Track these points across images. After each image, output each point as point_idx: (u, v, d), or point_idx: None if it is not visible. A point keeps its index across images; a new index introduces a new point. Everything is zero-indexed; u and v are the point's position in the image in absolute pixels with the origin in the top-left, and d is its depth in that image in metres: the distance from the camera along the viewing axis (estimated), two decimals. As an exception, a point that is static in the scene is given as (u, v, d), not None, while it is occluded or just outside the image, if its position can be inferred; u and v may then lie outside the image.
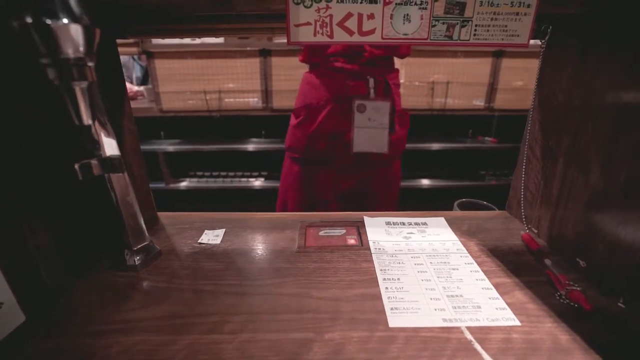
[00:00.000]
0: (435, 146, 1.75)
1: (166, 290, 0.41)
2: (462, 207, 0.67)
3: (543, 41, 0.47)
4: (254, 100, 1.65)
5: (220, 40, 1.58)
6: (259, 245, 0.50)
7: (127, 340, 0.33)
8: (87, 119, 0.30)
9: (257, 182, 1.80)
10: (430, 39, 0.44)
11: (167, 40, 1.59)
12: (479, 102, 1.67)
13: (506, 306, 0.38)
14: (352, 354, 0.32)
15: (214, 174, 1.81)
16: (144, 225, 0.45)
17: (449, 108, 1.67)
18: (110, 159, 0.35)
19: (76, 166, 0.32)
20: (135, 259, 0.44)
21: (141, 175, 0.55)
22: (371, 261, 0.46)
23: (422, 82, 1.58)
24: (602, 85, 0.40)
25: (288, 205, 1.01)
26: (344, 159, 0.93)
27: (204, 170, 1.82)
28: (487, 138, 1.83)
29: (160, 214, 0.60)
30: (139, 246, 0.44)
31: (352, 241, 0.50)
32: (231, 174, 1.82)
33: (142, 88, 1.82)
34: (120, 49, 0.50)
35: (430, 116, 1.66)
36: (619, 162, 0.38)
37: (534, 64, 0.53)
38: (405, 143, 0.98)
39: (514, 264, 0.45)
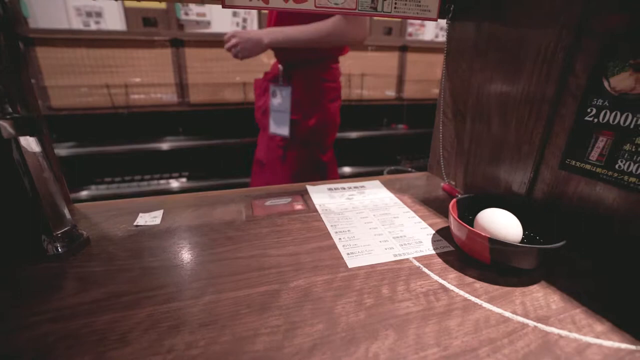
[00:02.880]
0: (353, 134, 1.88)
1: (106, 273, 0.36)
2: (390, 173, 0.74)
3: (448, 17, 0.55)
4: (167, 95, 1.53)
5: (123, 28, 1.42)
6: (205, 220, 0.48)
7: (68, 325, 0.29)
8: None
9: (179, 184, 1.67)
10: (359, 9, 0.48)
11: (51, 25, 1.36)
12: (391, 93, 1.85)
13: (442, 238, 0.44)
14: (320, 293, 0.34)
15: (126, 178, 1.62)
16: (65, 207, 0.39)
17: (365, 98, 1.81)
18: (26, 117, 0.29)
19: (-21, 125, 0.26)
20: (58, 247, 0.38)
21: (54, 160, 0.47)
22: (321, 220, 0.48)
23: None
24: (494, 52, 0.49)
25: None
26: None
27: (114, 176, 1.61)
28: (399, 125, 2.04)
29: (77, 205, 0.52)
30: (60, 231, 0.38)
31: (299, 206, 0.52)
32: (147, 176, 1.65)
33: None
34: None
35: (349, 106, 1.77)
36: (510, 111, 0.47)
37: (434, 59, 0.61)
38: (313, 134, 1.00)
39: (441, 208, 0.52)
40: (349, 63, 1.68)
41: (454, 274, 0.37)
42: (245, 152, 1.70)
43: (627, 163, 0.35)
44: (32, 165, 0.34)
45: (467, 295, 0.34)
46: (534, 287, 0.35)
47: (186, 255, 0.40)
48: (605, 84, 0.37)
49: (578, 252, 0.40)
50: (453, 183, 0.61)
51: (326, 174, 1.07)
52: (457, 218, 0.38)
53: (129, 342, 0.27)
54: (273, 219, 0.48)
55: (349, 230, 0.45)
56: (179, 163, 1.72)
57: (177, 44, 1.44)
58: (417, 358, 0.26)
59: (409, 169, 0.77)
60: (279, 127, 1.01)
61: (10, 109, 0.29)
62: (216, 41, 1.48)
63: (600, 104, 0.37)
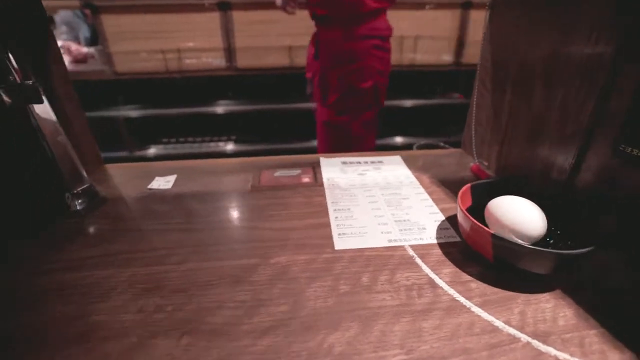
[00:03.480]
0: (408, 103, 1.75)
1: (112, 232, 0.39)
2: (421, 148, 0.68)
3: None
4: (216, 60, 1.56)
5: (175, -8, 1.45)
6: (212, 187, 0.49)
7: (66, 276, 0.32)
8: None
9: (229, 146, 1.75)
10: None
11: (114, -8, 1.44)
12: (448, 57, 1.66)
13: (450, 226, 0.39)
14: (296, 273, 0.32)
15: (181, 139, 1.74)
16: (81, 167, 0.42)
17: (418, 64, 1.65)
18: (25, 85, 0.31)
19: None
20: (77, 203, 0.42)
21: (81, 124, 0.51)
22: (324, 195, 0.46)
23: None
24: (545, 7, 0.40)
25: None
26: None
27: (170, 137, 1.74)
28: (455, 94, 1.84)
29: (108, 165, 0.57)
30: (79, 189, 0.42)
31: (306, 179, 0.50)
32: (199, 139, 1.75)
33: (92, 49, 1.67)
34: (56, 2, 0.44)
35: (399, 72, 1.64)
36: (557, 81, 0.39)
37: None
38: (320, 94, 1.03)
39: (462, 192, 0.46)
40: (403, 25, 1.53)
41: (450, 268, 0.33)
42: (292, 117, 1.71)
43: (702, 154, 0.27)
44: (47, 130, 0.37)
45: (456, 295, 0.30)
46: (544, 296, 0.30)
47: (184, 220, 0.41)
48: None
49: (617, 260, 0.33)
50: (486, 164, 0.53)
51: (350, 142, 1.04)
52: (461, 207, 0.33)
53: (109, 298, 0.30)
54: (277, 190, 0.47)
55: (348, 209, 0.42)
56: (229, 126, 1.79)
57: (224, 7, 1.44)
58: (374, 357, 0.24)
59: (442, 144, 0.69)
60: None
61: (16, 78, 0.31)
62: (263, 2, 1.45)
63: (678, 73, 0.28)
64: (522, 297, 0.30)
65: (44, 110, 0.37)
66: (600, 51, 0.33)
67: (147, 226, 0.40)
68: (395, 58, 1.66)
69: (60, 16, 1.76)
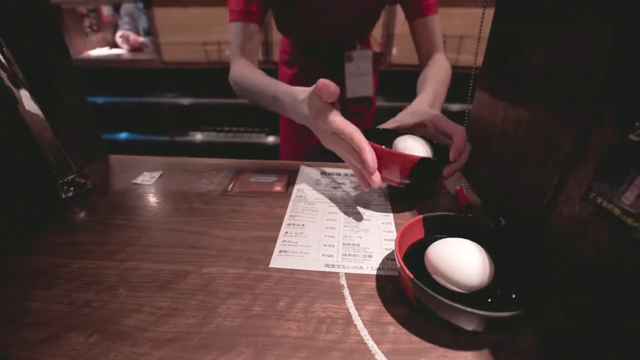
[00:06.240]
0: (455, 107, 1.63)
1: (83, 222, 0.43)
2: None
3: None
4: (255, 53, 1.60)
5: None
6: (188, 187, 0.51)
7: (23, 260, 0.36)
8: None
9: (260, 138, 1.81)
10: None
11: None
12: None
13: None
14: (219, 287, 0.33)
15: (218, 128, 1.83)
16: (69, 159, 0.46)
17: (462, 65, 1.53)
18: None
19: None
20: (65, 192, 0.46)
21: (85, 117, 0.56)
22: (286, 207, 0.45)
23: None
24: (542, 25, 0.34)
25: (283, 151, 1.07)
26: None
27: (208, 125, 1.84)
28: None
29: (112, 156, 0.62)
30: (66, 179, 0.46)
31: (278, 188, 0.50)
32: (234, 128, 1.83)
33: (147, 39, 1.81)
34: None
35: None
36: (545, 106, 0.34)
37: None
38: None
39: (432, 219, 0.43)
40: (446, 22, 1.42)
41: (374, 306, 0.31)
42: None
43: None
44: (35, 127, 0.42)
45: (366, 337, 0.28)
46: (464, 355, 0.27)
47: (146, 219, 0.43)
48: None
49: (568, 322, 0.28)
50: (476, 187, 0.49)
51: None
52: (397, 241, 0.31)
53: (50, 287, 0.33)
54: (243, 197, 0.48)
55: (302, 225, 0.42)
56: (262, 119, 1.83)
57: None
58: (247, 389, 0.24)
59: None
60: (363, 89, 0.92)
61: None
62: None
63: (661, 116, 0.23)
64: (438, 352, 0.27)
65: (31, 105, 0.41)
66: (587, 72, 0.28)
67: (113, 220, 0.43)
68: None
69: (124, 8, 1.93)
